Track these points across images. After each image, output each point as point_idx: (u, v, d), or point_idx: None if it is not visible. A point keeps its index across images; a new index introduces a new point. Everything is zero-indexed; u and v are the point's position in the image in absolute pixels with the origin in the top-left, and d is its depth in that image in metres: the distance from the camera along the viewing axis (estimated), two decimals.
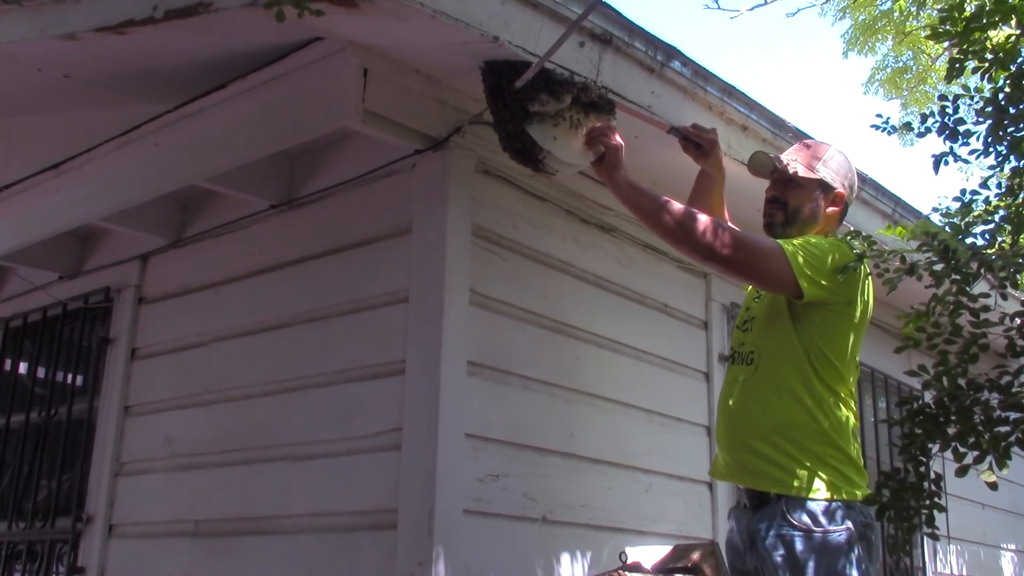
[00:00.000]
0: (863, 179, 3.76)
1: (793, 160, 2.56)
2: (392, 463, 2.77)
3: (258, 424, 3.22)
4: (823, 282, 2.32)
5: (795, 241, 2.38)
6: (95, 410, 3.85)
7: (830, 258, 2.34)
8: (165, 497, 3.45)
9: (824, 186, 2.53)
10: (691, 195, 2.87)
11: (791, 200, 2.53)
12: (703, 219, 2.34)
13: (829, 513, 2.27)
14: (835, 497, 2.29)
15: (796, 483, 2.30)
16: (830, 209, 2.55)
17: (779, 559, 2.26)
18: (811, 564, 2.23)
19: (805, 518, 2.27)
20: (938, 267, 2.07)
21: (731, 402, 2.47)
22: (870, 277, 2.46)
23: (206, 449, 3.37)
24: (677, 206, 2.37)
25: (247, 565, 3.11)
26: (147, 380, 3.70)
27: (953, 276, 2.01)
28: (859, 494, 2.32)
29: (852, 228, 3.64)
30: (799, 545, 2.25)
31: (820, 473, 2.30)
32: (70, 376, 4.12)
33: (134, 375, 3.75)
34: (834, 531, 2.25)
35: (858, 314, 2.43)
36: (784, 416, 2.35)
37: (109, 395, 3.75)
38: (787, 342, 2.40)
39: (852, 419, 2.40)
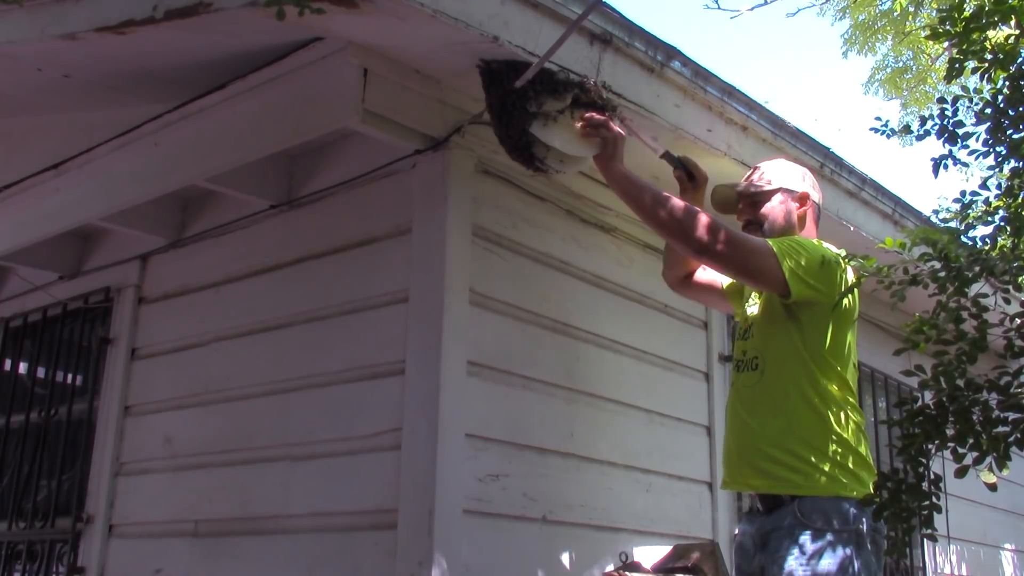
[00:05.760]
0: (863, 179, 3.77)
1: (750, 182, 2.68)
2: (392, 463, 2.77)
3: (258, 424, 3.22)
4: (810, 281, 2.38)
5: (785, 240, 2.45)
6: (95, 410, 3.85)
7: (817, 259, 2.40)
8: (165, 497, 3.45)
9: (787, 192, 2.64)
10: None
11: (763, 218, 2.63)
12: (698, 215, 2.41)
13: (841, 513, 2.29)
14: (847, 495, 2.31)
15: (809, 484, 2.32)
16: (800, 210, 2.64)
17: (792, 559, 2.27)
18: (824, 563, 2.24)
19: (818, 518, 2.28)
20: (940, 274, 2.08)
21: (740, 409, 2.50)
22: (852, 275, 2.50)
23: (206, 449, 3.37)
24: (673, 201, 2.43)
25: (247, 565, 3.11)
26: (147, 380, 3.70)
27: (954, 282, 2.01)
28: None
29: (853, 230, 3.68)
30: (813, 545, 2.26)
31: (832, 473, 2.33)
32: (70, 376, 4.12)
33: (134, 375, 3.75)
34: (847, 530, 2.26)
35: (845, 313, 2.47)
36: (794, 418, 2.38)
37: (109, 395, 3.75)
38: (789, 345, 2.43)
39: (858, 417, 2.43)
